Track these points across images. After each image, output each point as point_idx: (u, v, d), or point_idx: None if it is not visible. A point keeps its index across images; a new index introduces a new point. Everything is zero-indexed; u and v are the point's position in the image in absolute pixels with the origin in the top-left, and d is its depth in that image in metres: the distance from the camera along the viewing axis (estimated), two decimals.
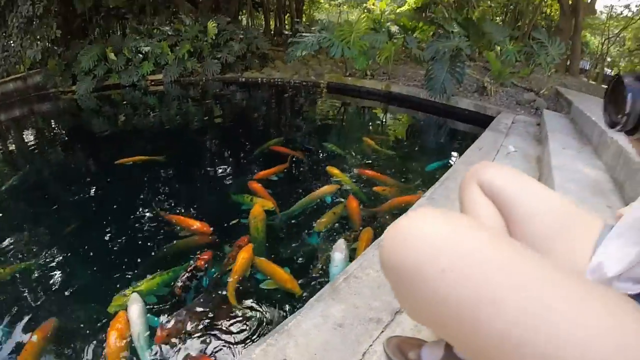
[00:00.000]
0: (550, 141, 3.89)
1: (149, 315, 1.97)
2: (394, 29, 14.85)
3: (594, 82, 14.55)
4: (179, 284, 2.17)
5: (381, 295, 1.60)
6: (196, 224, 2.72)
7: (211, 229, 2.66)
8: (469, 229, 0.63)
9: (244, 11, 13.84)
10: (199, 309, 1.97)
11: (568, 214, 0.91)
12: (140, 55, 9.05)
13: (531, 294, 0.55)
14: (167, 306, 2.05)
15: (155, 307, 2.04)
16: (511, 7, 15.29)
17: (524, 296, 0.55)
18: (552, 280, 0.57)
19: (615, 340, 0.51)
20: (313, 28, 7.58)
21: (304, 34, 7.07)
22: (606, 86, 0.71)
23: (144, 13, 11.54)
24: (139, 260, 2.42)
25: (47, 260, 2.43)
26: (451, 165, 3.81)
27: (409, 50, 7.17)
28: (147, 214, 2.97)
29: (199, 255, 2.37)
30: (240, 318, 1.95)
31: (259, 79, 9.02)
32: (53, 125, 6.73)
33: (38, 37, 8.31)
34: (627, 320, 0.53)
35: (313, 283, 2.21)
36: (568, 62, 13.51)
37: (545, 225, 0.90)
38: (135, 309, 1.96)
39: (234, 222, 2.80)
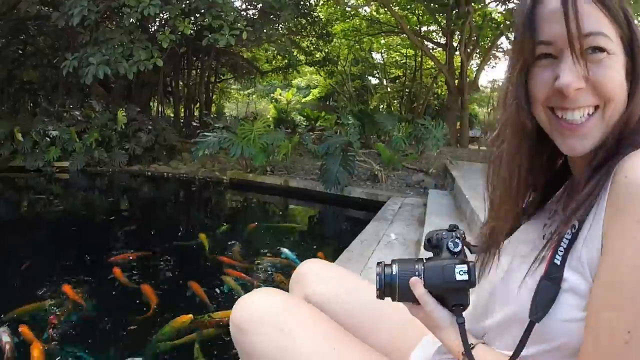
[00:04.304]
0: (426, 224, 4.37)
1: None
2: (299, 118, 15.78)
3: (484, 148, 16.27)
4: None
5: None
6: None
7: None
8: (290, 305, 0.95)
9: (155, 98, 14.15)
10: None
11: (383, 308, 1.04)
12: (48, 140, 8.90)
13: None
14: None
15: None
16: (406, 91, 17.03)
17: None
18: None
19: None
20: (216, 125, 7.98)
21: (206, 134, 7.45)
22: None
23: (56, 91, 11.55)
24: None
25: None
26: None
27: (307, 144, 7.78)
28: None
29: None
30: None
31: (165, 173, 9.15)
32: None
33: None
34: None
35: None
36: (459, 135, 15.09)
37: (361, 322, 1.05)
38: None
39: None
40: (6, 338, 2.56)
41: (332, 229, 6.24)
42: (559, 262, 0.63)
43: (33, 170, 8.58)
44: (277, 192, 7.49)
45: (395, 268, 0.79)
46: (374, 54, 17.49)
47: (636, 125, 0.65)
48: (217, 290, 3.53)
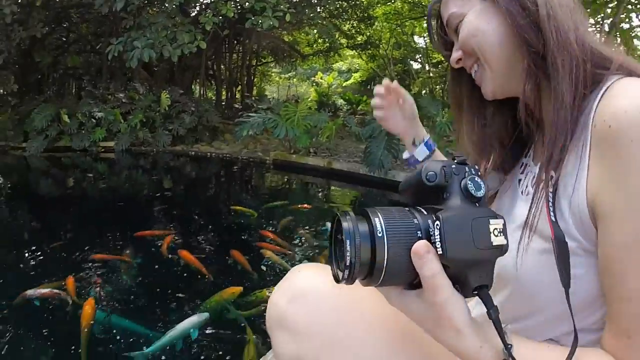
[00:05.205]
0: None
1: None
2: (340, 102, 15.55)
3: None
4: None
5: None
6: None
7: None
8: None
9: (197, 81, 14.33)
10: None
11: None
12: (94, 121, 9.17)
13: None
14: None
15: None
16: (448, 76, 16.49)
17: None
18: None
19: None
20: (260, 106, 7.96)
21: (250, 114, 7.45)
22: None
23: (100, 76, 11.85)
24: None
25: None
26: None
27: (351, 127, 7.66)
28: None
29: None
30: None
31: (208, 153, 9.26)
32: None
33: None
34: None
35: None
36: None
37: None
38: None
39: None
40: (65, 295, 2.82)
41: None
42: (554, 219, 0.58)
43: (79, 150, 8.89)
44: (320, 173, 7.44)
45: (379, 222, 0.44)
46: (416, 38, 16.99)
47: (546, 51, 0.62)
48: (263, 266, 3.51)
